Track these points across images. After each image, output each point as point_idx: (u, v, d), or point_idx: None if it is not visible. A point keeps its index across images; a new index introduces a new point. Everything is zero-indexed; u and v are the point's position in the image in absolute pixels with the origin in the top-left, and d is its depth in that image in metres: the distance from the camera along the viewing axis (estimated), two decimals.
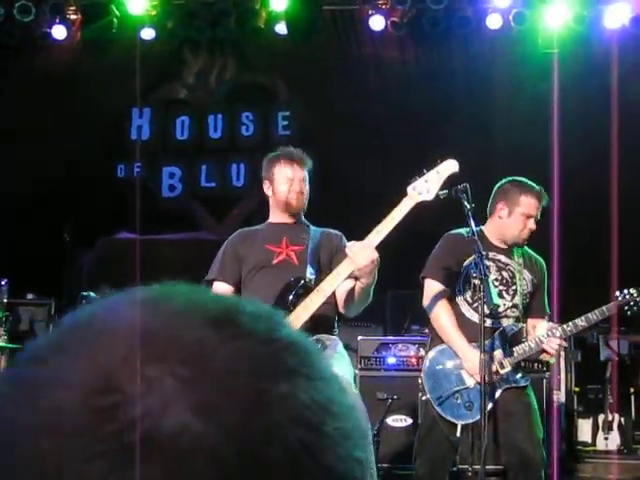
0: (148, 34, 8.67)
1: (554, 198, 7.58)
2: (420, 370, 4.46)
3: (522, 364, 4.36)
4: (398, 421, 6.16)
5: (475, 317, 4.19)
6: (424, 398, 4.28)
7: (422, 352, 4.78)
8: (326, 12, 8.72)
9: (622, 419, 7.79)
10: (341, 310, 4.04)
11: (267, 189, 4.20)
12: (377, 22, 8.39)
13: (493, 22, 8.20)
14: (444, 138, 8.18)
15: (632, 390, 8.13)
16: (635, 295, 4.27)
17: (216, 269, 4.16)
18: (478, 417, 4.03)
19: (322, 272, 3.99)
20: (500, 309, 4.22)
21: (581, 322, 4.16)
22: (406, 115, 8.68)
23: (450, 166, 3.89)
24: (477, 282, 4.17)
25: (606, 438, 7.71)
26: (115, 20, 8.60)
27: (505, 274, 4.31)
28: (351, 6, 8.71)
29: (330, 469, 0.49)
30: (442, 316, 4.24)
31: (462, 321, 4.24)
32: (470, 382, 4.17)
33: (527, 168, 7.82)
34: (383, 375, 6.38)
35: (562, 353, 7.27)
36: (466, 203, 4.01)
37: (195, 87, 9.61)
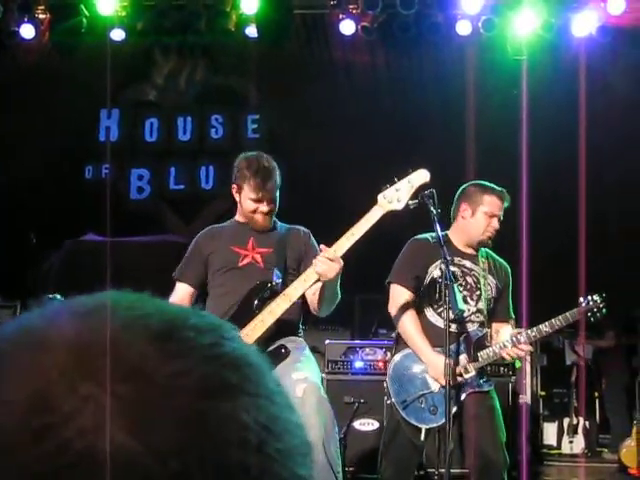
0: (118, 35, 8.61)
1: (522, 203, 7.64)
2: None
3: (487, 368, 4.39)
4: (365, 425, 6.17)
5: (439, 322, 4.22)
6: (389, 402, 4.29)
7: (389, 356, 4.78)
8: (297, 16, 8.72)
9: (587, 423, 7.88)
10: (313, 311, 4.04)
11: (235, 193, 4.15)
12: (347, 27, 8.40)
13: (463, 28, 8.26)
14: (414, 142, 8.23)
15: (597, 394, 8.23)
16: (598, 302, 4.30)
17: (180, 269, 4.15)
18: (442, 421, 4.05)
19: (288, 274, 3.98)
20: (465, 314, 4.24)
21: (545, 328, 4.20)
22: (376, 119, 8.71)
23: (421, 176, 3.89)
24: (442, 287, 4.19)
25: (571, 441, 7.79)
26: (84, 20, 8.52)
27: (470, 279, 4.34)
28: (322, 10, 8.72)
29: None
30: (407, 322, 4.25)
31: (427, 326, 4.26)
32: (435, 386, 4.18)
33: (496, 173, 7.88)
34: (350, 379, 6.38)
35: (528, 357, 7.33)
36: (432, 208, 4.03)
37: (165, 89, 9.57)
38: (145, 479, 0.45)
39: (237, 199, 4.15)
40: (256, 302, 3.84)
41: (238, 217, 4.21)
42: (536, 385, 7.79)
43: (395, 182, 3.83)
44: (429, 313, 4.30)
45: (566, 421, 7.88)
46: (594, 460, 7.65)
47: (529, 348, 4.26)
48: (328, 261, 3.63)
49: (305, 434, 0.53)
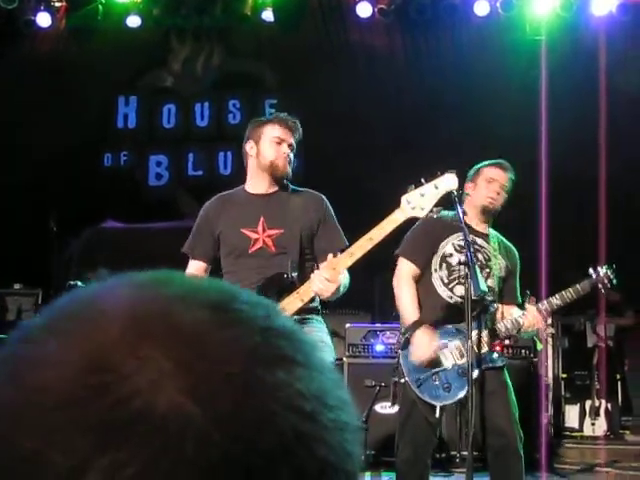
0: (134, 21, 8.62)
1: (542, 184, 7.59)
2: None
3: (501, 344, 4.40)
4: (386, 408, 6.17)
5: (452, 299, 4.23)
6: (402, 381, 4.28)
7: (400, 336, 4.77)
8: None
9: (609, 405, 7.84)
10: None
11: (250, 149, 4.00)
12: (364, 9, 8.36)
13: (480, 9, 8.20)
14: (431, 125, 8.19)
15: (619, 376, 8.18)
16: (608, 273, 4.36)
17: (190, 243, 4.06)
18: (456, 397, 4.07)
19: (303, 257, 3.92)
20: (483, 294, 4.23)
21: (556, 300, 4.24)
22: (393, 102, 8.67)
23: (449, 182, 3.74)
24: (454, 262, 4.22)
25: (593, 424, 7.76)
26: (100, 7, 8.54)
27: (480, 256, 4.34)
28: None
29: (322, 459, 0.49)
30: (404, 294, 4.26)
31: (436, 300, 4.25)
32: (448, 363, 4.18)
33: (515, 154, 7.82)
34: (371, 362, 6.39)
35: (549, 340, 7.30)
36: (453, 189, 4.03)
37: (181, 75, 9.56)
38: (201, 439, 0.45)
39: (252, 154, 4.00)
40: (271, 297, 3.76)
41: (248, 186, 4.07)
42: (557, 368, 7.76)
43: (421, 184, 3.68)
44: (440, 289, 4.29)
45: (588, 403, 7.85)
46: (616, 442, 7.61)
47: (541, 319, 4.26)
48: (325, 281, 3.58)
49: (354, 412, 0.53)
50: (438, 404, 4.14)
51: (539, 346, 6.57)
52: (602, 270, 4.36)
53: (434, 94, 8.56)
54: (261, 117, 4.14)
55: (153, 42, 9.23)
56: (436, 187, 3.69)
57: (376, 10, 8.35)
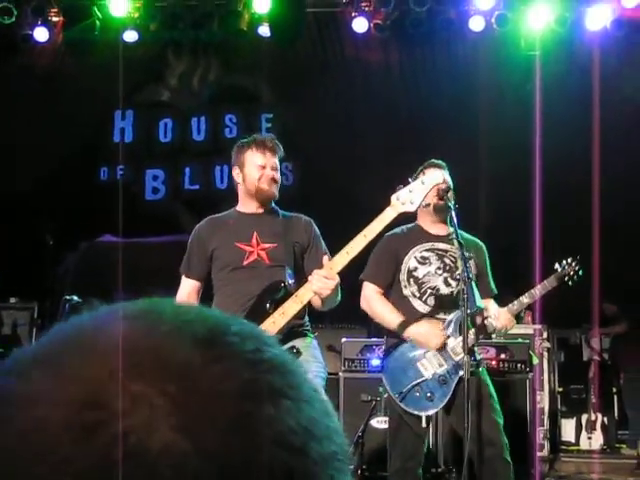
0: (131, 36, 8.65)
1: (536, 198, 7.62)
2: None
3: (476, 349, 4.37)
4: (382, 423, 6.16)
5: (424, 309, 4.25)
6: (385, 395, 4.32)
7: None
8: (309, 14, 8.73)
9: (605, 419, 7.85)
10: (315, 307, 4.01)
11: (237, 175, 4.13)
12: (360, 24, 8.40)
13: (476, 24, 8.24)
14: (427, 139, 8.21)
15: (615, 390, 8.19)
16: (574, 265, 4.37)
17: (185, 264, 4.16)
18: (441, 405, 4.11)
19: (297, 270, 3.98)
20: (447, 295, 4.24)
21: (525, 299, 4.28)
22: (389, 117, 8.71)
23: (435, 177, 3.93)
24: (420, 275, 4.27)
25: (589, 438, 7.76)
26: (97, 22, 8.57)
27: (447, 260, 4.33)
28: (334, 8, 8.72)
29: None
30: (378, 307, 4.31)
31: (412, 314, 4.25)
32: (427, 373, 4.20)
33: (510, 168, 7.90)
34: (367, 377, 6.38)
35: (545, 354, 7.31)
36: (449, 203, 4.06)
37: (178, 89, 9.59)
38: (194, 476, 0.46)
39: (239, 181, 4.11)
40: (269, 303, 3.82)
41: (240, 207, 4.19)
42: (553, 382, 7.76)
43: (408, 182, 3.84)
44: (415, 303, 4.30)
45: (584, 417, 7.85)
46: (613, 456, 7.62)
47: (512, 320, 4.27)
48: (323, 279, 3.63)
49: (343, 441, 0.54)
50: (424, 414, 4.17)
51: (534, 360, 6.58)
52: (567, 262, 4.37)
53: (429, 108, 8.60)
54: (245, 138, 4.21)
55: (150, 57, 9.26)
56: (422, 183, 3.85)
57: (372, 25, 8.39)
